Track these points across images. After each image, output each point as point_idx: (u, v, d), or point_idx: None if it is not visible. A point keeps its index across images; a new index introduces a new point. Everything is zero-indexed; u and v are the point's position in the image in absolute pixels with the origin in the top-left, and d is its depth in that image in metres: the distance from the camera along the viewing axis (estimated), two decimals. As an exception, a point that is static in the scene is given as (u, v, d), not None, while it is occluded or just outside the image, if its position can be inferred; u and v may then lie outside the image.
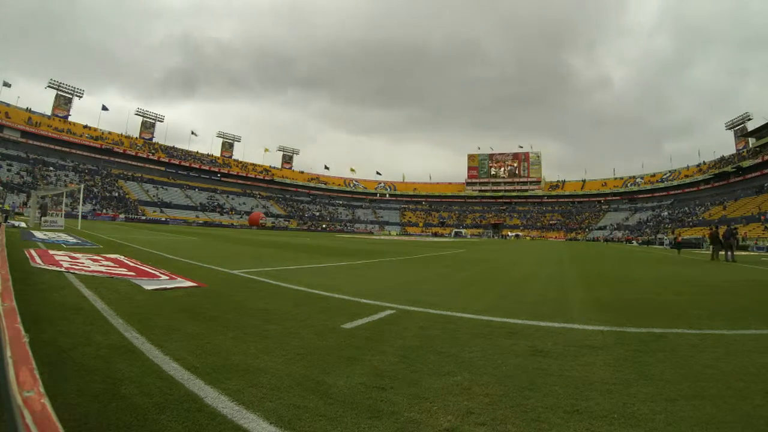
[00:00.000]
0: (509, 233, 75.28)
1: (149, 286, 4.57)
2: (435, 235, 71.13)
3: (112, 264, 6.42)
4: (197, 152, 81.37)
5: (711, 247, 16.77)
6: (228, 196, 74.75)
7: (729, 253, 15.29)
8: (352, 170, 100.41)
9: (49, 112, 63.87)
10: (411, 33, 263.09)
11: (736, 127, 63.35)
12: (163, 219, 54.74)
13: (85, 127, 67.07)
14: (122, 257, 7.50)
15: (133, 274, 5.43)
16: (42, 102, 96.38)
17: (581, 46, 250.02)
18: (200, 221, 59.05)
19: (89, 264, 6.21)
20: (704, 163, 69.79)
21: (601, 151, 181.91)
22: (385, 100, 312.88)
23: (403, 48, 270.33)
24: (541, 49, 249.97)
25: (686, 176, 71.10)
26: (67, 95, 66.16)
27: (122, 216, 50.24)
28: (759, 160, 54.28)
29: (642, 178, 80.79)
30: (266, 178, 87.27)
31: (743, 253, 18.61)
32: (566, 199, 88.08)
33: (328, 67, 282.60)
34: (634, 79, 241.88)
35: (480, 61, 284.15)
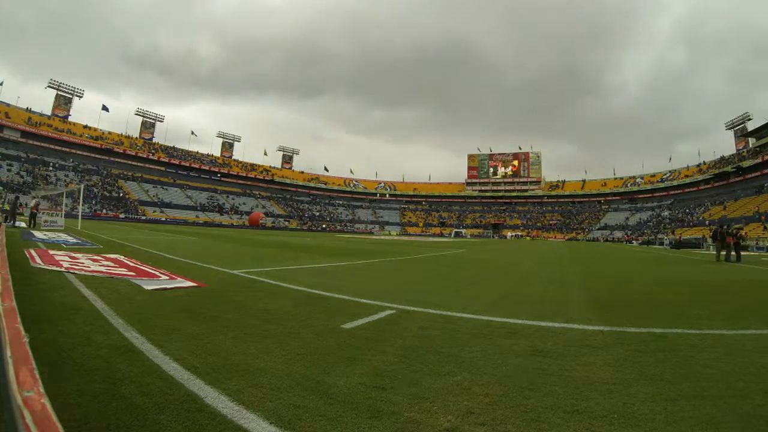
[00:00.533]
0: (509, 233, 75.33)
1: (149, 286, 4.57)
2: (438, 234, 71.18)
3: (112, 264, 6.42)
4: (197, 152, 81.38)
5: (712, 246, 16.76)
6: (228, 196, 74.74)
7: (728, 252, 15.30)
8: (351, 172, 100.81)
9: (49, 112, 63.90)
10: (418, 35, 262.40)
11: (736, 127, 63.35)
12: (163, 219, 54.72)
13: (85, 127, 67.07)
14: (122, 257, 7.50)
15: (133, 274, 5.43)
16: (42, 102, 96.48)
17: (595, 50, 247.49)
18: (200, 221, 59.02)
19: (89, 264, 6.21)
20: (704, 163, 69.79)
21: (603, 152, 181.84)
22: (387, 101, 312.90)
23: (406, 50, 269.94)
24: (553, 55, 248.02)
25: (686, 176, 71.08)
26: (67, 95, 66.18)
27: (122, 215, 50.30)
28: (759, 160, 54.26)
29: (642, 178, 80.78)
30: (266, 178, 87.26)
31: (743, 253, 18.60)
32: (566, 199, 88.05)
33: (333, 68, 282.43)
34: (641, 82, 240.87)
35: (488, 65, 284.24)
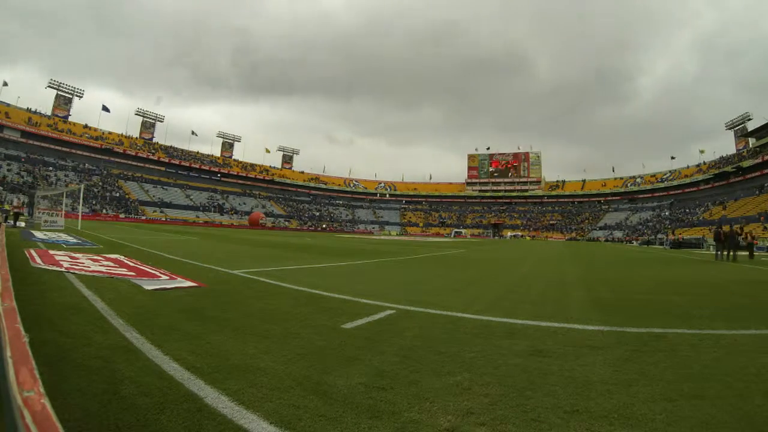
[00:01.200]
0: (509, 233, 75.33)
1: (149, 286, 4.57)
2: (437, 234, 71.14)
3: (112, 264, 6.42)
4: (197, 152, 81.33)
5: (712, 246, 16.80)
6: (228, 196, 74.74)
7: (730, 253, 15.33)
8: (350, 172, 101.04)
9: (49, 112, 63.88)
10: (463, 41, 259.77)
11: (736, 127, 63.33)
12: (163, 219, 54.73)
13: (85, 127, 67.03)
14: (122, 257, 7.50)
15: (134, 274, 5.43)
16: (42, 102, 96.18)
17: (620, 58, 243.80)
18: (200, 221, 59.05)
19: (89, 264, 6.21)
20: (704, 163, 69.73)
21: (605, 153, 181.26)
22: (404, 103, 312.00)
23: (444, 56, 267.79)
24: (579, 63, 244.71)
25: (686, 176, 71.04)
26: (67, 95, 66.16)
27: (122, 215, 50.31)
28: (759, 160, 54.20)
29: (642, 178, 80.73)
30: (266, 178, 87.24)
31: (743, 253, 18.64)
32: (566, 199, 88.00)
33: (338, 68, 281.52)
34: (654, 88, 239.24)
35: (516, 71, 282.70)
